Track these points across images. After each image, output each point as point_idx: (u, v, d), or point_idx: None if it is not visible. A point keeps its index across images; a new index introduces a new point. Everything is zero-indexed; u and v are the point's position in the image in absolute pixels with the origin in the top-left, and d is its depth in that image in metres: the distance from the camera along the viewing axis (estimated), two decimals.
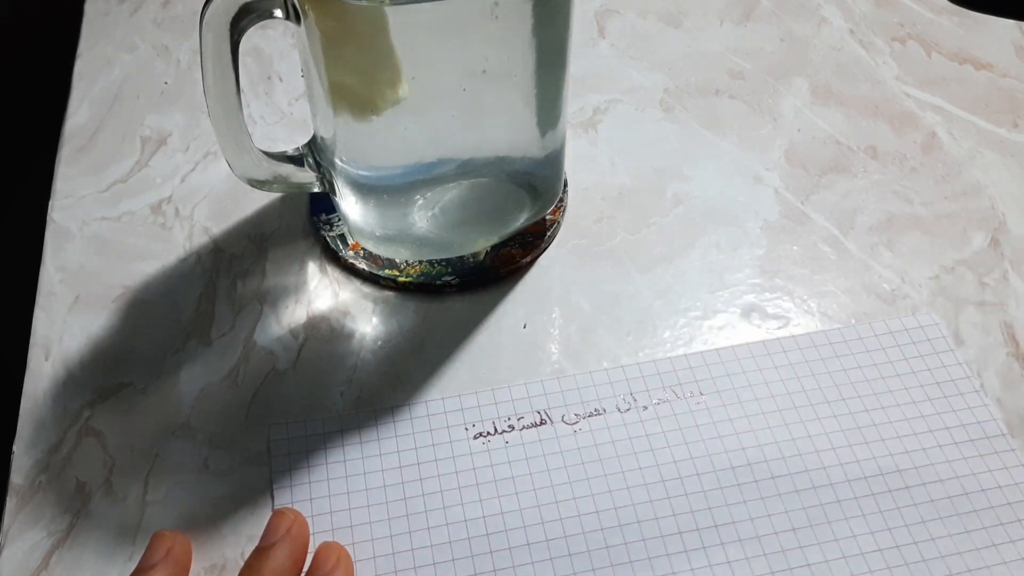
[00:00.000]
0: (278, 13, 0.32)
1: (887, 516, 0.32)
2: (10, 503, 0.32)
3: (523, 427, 0.34)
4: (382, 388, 0.36)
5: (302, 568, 0.30)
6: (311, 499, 0.32)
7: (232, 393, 0.36)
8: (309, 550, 0.31)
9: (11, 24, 0.83)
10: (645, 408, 0.35)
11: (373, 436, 0.34)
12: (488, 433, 0.34)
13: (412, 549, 0.31)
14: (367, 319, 0.38)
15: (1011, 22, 0.53)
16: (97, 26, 0.52)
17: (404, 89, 0.32)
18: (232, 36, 0.31)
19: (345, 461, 0.33)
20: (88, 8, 0.53)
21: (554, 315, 0.38)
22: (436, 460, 0.33)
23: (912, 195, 0.43)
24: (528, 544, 0.31)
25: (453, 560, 0.30)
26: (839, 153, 0.46)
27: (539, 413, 0.34)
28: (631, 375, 0.36)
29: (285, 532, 0.30)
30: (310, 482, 0.32)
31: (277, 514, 0.31)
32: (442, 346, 0.37)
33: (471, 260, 0.39)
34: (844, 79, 0.50)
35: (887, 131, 0.47)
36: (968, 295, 0.39)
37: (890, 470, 0.33)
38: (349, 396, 0.35)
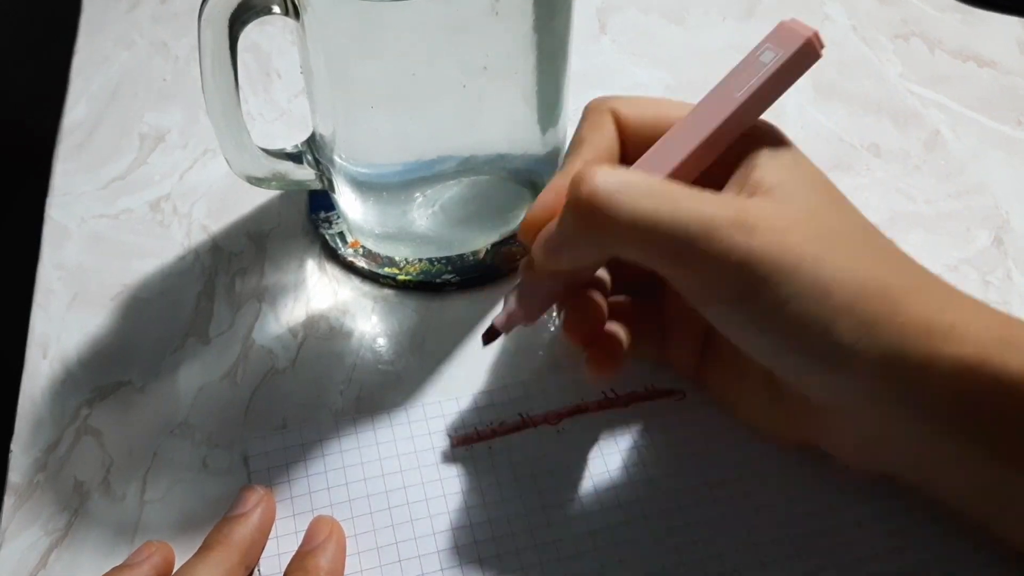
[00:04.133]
0: (276, 9, 0.31)
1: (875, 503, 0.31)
2: (8, 502, 0.32)
3: (506, 431, 0.34)
4: (382, 387, 0.35)
5: (267, 538, 0.31)
6: (293, 515, 0.31)
7: (231, 392, 0.35)
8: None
9: (9, 20, 0.83)
10: (626, 405, 0.34)
11: (353, 444, 0.33)
12: (471, 439, 0.34)
13: (399, 560, 0.30)
14: (367, 317, 0.38)
15: (1015, 19, 0.53)
16: (95, 22, 0.52)
17: None
18: (231, 32, 0.31)
19: (327, 472, 0.32)
20: (86, 4, 0.53)
21: (555, 313, 0.38)
22: (419, 467, 0.33)
23: (915, 193, 0.43)
24: (517, 551, 0.31)
25: (441, 570, 0.30)
26: (842, 151, 0.45)
27: (520, 416, 0.34)
28: None
29: (255, 504, 0.30)
30: (291, 497, 0.32)
31: (247, 488, 0.31)
32: (442, 344, 0.37)
33: (471, 258, 0.39)
34: (847, 76, 0.49)
35: (890, 128, 0.46)
36: (972, 294, 0.39)
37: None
38: (349, 395, 0.35)
